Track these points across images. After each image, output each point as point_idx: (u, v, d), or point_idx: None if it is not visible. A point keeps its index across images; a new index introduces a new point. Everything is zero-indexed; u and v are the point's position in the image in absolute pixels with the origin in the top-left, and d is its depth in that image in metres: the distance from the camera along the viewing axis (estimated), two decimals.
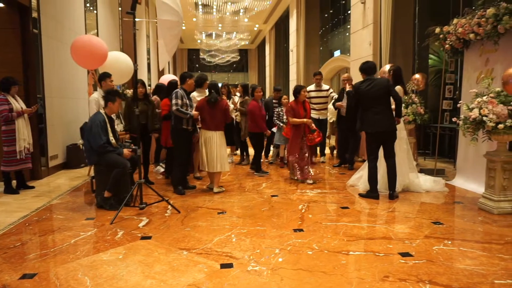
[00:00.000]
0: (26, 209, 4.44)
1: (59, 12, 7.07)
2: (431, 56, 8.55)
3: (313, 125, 5.63)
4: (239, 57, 27.69)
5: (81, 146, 5.64)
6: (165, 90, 5.81)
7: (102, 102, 4.71)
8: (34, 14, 6.07)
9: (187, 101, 5.00)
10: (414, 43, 8.12)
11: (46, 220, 4.04)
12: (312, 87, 7.39)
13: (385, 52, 8.03)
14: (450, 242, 3.20)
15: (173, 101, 4.88)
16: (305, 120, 5.58)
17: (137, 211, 4.20)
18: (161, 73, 15.18)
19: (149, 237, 3.41)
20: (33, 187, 5.47)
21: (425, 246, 3.12)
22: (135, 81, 4.45)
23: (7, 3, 5.83)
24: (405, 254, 2.95)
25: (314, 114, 7.00)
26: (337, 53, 13.97)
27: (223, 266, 2.80)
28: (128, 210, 4.21)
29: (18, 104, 5.18)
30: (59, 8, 7.09)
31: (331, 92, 7.40)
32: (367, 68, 4.72)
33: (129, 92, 7.12)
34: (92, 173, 5.32)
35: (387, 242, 3.23)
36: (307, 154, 5.65)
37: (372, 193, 4.68)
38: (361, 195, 4.80)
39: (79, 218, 4.09)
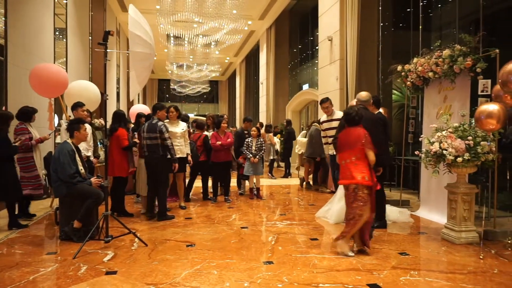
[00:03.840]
0: None
1: (27, 40, 6.97)
2: (394, 91, 8.98)
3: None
4: (209, 88, 27.98)
5: (44, 176, 5.44)
6: (124, 119, 5.73)
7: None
8: (1, 41, 5.95)
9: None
10: (378, 78, 8.52)
11: (3, 256, 3.81)
12: (324, 117, 6.44)
13: (351, 87, 8.37)
14: (416, 273, 3.28)
15: (166, 135, 5.28)
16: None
17: (102, 244, 4.05)
18: (130, 103, 15.07)
19: (115, 272, 3.29)
20: (34, 215, 5.47)
21: (393, 277, 3.17)
22: (104, 111, 4.41)
23: None
24: (373, 286, 2.98)
25: (331, 149, 6.01)
26: (305, 87, 14.40)
27: None
28: (93, 244, 4.06)
29: (36, 132, 5.38)
30: (28, 36, 7.00)
31: None
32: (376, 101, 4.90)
33: (98, 121, 7.00)
34: (55, 204, 5.12)
35: (355, 273, 3.26)
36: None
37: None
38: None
39: (40, 252, 3.90)
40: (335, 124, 5.82)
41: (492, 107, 4.03)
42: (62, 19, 8.76)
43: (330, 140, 5.49)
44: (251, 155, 6.80)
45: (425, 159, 4.35)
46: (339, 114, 5.95)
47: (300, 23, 15.59)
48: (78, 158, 4.34)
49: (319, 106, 10.17)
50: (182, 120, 6.20)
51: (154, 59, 4.25)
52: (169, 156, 5.34)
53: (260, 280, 3.10)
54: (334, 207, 5.18)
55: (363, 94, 4.77)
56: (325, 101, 6.20)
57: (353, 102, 5.63)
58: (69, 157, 4.21)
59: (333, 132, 5.59)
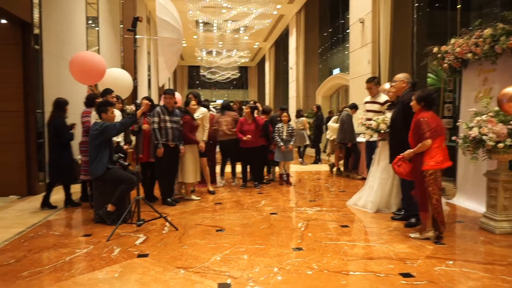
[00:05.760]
0: (22, 225, 4.39)
1: (61, 28, 7.14)
2: (429, 74, 8.63)
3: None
4: (239, 74, 27.96)
5: (79, 161, 5.61)
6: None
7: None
8: (36, 31, 6.13)
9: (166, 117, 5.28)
10: (412, 61, 8.20)
11: (42, 237, 3.97)
12: (368, 98, 5.82)
13: (384, 70, 8.10)
14: (452, 263, 3.15)
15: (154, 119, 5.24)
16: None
17: (134, 228, 4.14)
18: (161, 89, 15.26)
19: (146, 255, 3.36)
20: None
21: (427, 266, 3.07)
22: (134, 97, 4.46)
23: (10, 20, 5.88)
24: (406, 275, 2.89)
25: (367, 134, 5.67)
26: (336, 71, 14.10)
27: (221, 286, 2.74)
28: (126, 227, 4.16)
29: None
30: (61, 25, 7.17)
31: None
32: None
33: (129, 108, 7.13)
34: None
35: (387, 262, 3.18)
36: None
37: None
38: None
39: (76, 234, 4.04)
40: (376, 107, 5.51)
41: None
42: (94, 7, 8.91)
43: (369, 123, 5.03)
44: (282, 144, 6.75)
45: (462, 145, 4.15)
46: (383, 97, 5.50)
47: (331, 5, 15.20)
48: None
49: (350, 90, 9.97)
50: (203, 106, 6.21)
51: (182, 45, 4.24)
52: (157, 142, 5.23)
53: (289, 267, 3.08)
54: (369, 196, 5.03)
55: (403, 75, 4.53)
56: (370, 80, 5.70)
57: (386, 85, 5.43)
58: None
59: (373, 115, 5.27)
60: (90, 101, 5.38)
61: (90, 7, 8.70)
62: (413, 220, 4.18)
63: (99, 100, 5.04)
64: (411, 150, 3.77)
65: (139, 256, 3.35)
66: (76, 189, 5.83)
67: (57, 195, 5.55)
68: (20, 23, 5.91)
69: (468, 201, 5.17)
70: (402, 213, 4.53)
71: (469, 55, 4.92)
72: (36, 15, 6.12)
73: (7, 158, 5.92)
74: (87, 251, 3.51)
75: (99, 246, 3.63)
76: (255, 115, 6.66)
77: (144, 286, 2.75)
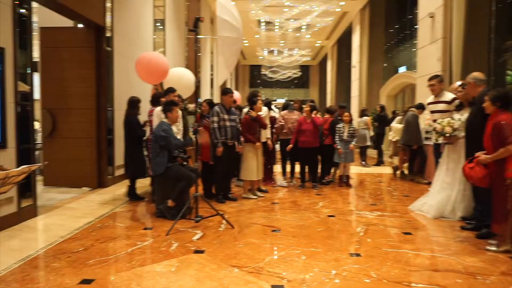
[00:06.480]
0: (91, 215, 4.69)
1: (130, 31, 7.55)
2: (509, 72, 7.88)
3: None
4: (300, 73, 27.75)
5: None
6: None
7: (163, 115, 4.90)
8: (108, 33, 6.52)
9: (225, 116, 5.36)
10: (489, 58, 7.54)
11: (108, 228, 4.21)
12: (430, 98, 5.38)
13: (456, 68, 7.54)
14: None
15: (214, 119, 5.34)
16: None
17: (192, 223, 4.24)
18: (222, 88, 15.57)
19: (202, 251, 3.41)
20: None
21: (501, 284, 2.77)
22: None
23: (85, 23, 6.32)
24: None
25: (434, 137, 5.26)
26: (401, 69, 13.44)
27: (274, 287, 2.70)
28: (184, 223, 4.27)
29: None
30: (131, 27, 7.57)
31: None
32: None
33: (191, 106, 7.33)
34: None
35: (455, 275, 2.93)
36: None
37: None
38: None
39: (138, 227, 4.23)
40: (442, 106, 5.03)
41: None
42: (161, 10, 9.30)
43: (434, 125, 4.72)
44: (339, 146, 6.56)
45: None
46: (449, 95, 5.04)
47: (398, 0, 14.49)
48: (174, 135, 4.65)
49: (417, 89, 9.43)
50: (264, 105, 6.21)
51: (241, 44, 4.26)
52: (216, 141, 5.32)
53: (346, 273, 2.95)
54: (432, 200, 4.73)
55: (479, 74, 4.17)
56: (433, 78, 5.26)
57: (456, 85, 5.03)
58: (167, 132, 4.52)
59: (439, 116, 4.87)
60: (155, 100, 5.61)
61: (157, 10, 9.10)
62: (484, 230, 3.83)
63: (163, 99, 5.24)
64: (489, 155, 3.45)
65: (196, 252, 3.41)
66: (142, 184, 6.12)
67: (124, 188, 5.87)
68: (95, 26, 6.32)
69: None
70: (473, 222, 4.17)
71: None
72: (108, 18, 6.52)
73: (81, 152, 6.37)
74: (148, 244, 3.65)
75: (159, 239, 3.76)
76: (313, 115, 6.52)
77: (198, 282, 2.79)
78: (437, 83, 5.21)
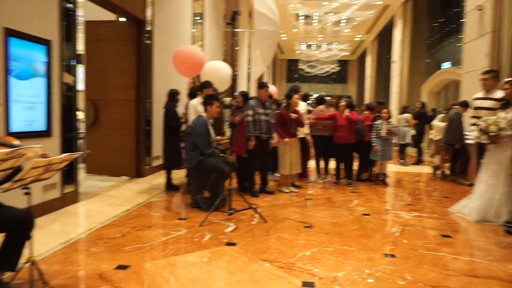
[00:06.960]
0: (129, 203, 4.84)
1: (170, 24, 7.67)
2: None
3: None
4: (338, 68, 27.26)
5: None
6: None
7: (199, 108, 4.95)
8: (148, 27, 6.67)
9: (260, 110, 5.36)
10: None
11: (144, 216, 4.33)
12: (479, 93, 5.19)
13: (506, 64, 7.12)
14: None
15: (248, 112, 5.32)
16: None
17: (225, 216, 4.28)
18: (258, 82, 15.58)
19: (234, 244, 3.44)
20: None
21: None
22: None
23: (127, 17, 6.49)
24: None
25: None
26: (445, 65, 12.88)
27: (305, 284, 2.68)
28: (218, 215, 4.32)
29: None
30: (170, 21, 7.70)
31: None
32: None
33: (227, 100, 7.39)
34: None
35: (496, 283, 2.78)
36: None
37: None
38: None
39: (173, 217, 4.32)
40: (489, 104, 4.83)
41: None
42: (200, 4, 9.40)
43: (478, 123, 4.50)
44: (375, 144, 6.39)
45: None
46: (499, 93, 4.77)
47: None
48: (211, 130, 4.68)
49: (462, 86, 9.00)
50: (302, 99, 6.15)
51: (278, 37, 4.22)
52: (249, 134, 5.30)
53: (379, 274, 2.88)
54: (474, 203, 4.51)
55: None
56: (487, 72, 5.09)
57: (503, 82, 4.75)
58: (204, 127, 4.56)
59: (484, 114, 4.70)
60: (192, 93, 5.70)
61: (196, 4, 9.21)
62: None
63: (200, 93, 5.30)
64: None
65: (228, 244, 3.44)
66: (179, 175, 6.26)
67: (161, 179, 6.01)
68: (136, 20, 6.48)
69: None
70: None
71: None
72: (149, 12, 6.66)
73: (120, 142, 6.59)
74: (181, 234, 3.72)
75: (192, 230, 3.83)
76: (346, 112, 6.33)
77: (230, 274, 2.82)
78: (491, 78, 4.98)
